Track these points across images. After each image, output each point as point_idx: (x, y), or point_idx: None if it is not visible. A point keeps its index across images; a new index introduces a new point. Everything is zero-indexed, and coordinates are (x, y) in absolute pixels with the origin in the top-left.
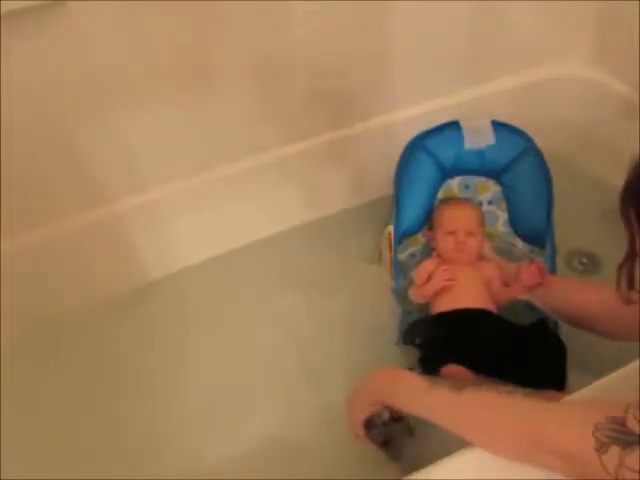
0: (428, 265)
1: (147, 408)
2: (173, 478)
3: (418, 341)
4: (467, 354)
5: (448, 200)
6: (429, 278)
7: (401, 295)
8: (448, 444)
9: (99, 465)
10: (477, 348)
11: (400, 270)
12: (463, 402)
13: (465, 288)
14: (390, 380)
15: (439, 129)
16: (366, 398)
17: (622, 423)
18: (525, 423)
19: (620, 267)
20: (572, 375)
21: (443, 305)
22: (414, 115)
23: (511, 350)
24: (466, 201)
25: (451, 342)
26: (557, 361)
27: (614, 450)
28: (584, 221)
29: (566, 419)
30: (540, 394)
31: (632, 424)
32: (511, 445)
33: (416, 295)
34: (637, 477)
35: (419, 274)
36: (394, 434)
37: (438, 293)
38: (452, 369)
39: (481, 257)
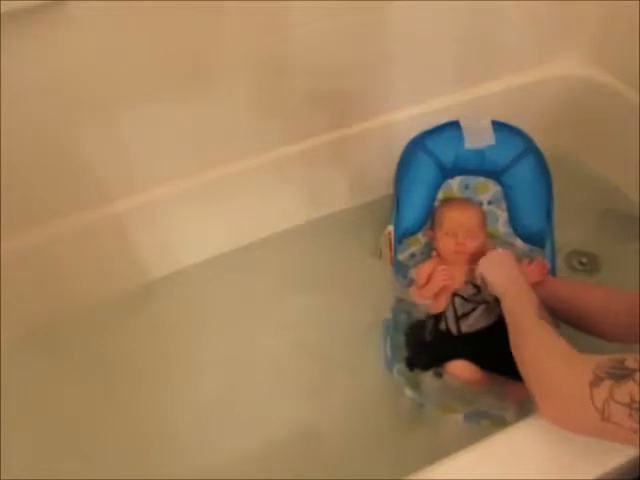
0: (427, 267)
1: (147, 408)
2: (173, 478)
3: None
4: (470, 352)
5: (450, 200)
6: (428, 280)
7: (400, 297)
8: None
9: (99, 465)
10: (480, 347)
11: (400, 270)
12: (537, 325)
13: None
14: (516, 296)
15: (439, 129)
16: (490, 278)
17: (621, 362)
18: (539, 352)
19: None
20: None
21: (443, 305)
22: (414, 115)
23: (506, 348)
24: (468, 202)
25: (454, 341)
26: None
27: (607, 384)
28: (584, 221)
29: (574, 355)
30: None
31: (630, 362)
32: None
33: (417, 296)
34: (623, 410)
35: (419, 276)
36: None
37: (437, 293)
38: (458, 364)
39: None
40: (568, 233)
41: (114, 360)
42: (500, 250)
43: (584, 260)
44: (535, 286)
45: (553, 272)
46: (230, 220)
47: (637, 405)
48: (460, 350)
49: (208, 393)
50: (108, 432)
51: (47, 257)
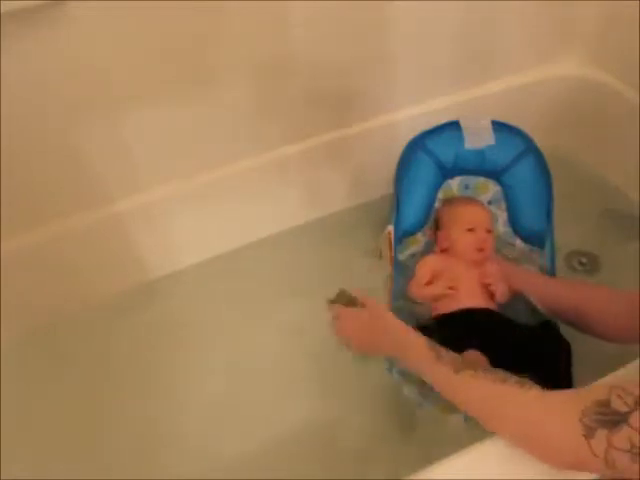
0: (431, 262)
1: (147, 408)
2: (175, 478)
3: None
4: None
5: (458, 198)
6: (432, 278)
7: (401, 296)
8: None
9: (99, 465)
10: (486, 348)
11: (400, 270)
12: (459, 384)
13: (467, 287)
14: (402, 345)
15: (439, 129)
16: (380, 350)
17: (607, 405)
18: (512, 415)
19: None
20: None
21: (447, 306)
22: (414, 115)
23: (521, 350)
24: (477, 200)
25: (461, 340)
26: (564, 361)
27: (601, 433)
28: (584, 221)
29: (553, 408)
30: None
31: (616, 404)
32: (502, 432)
33: (414, 294)
34: (626, 456)
35: (422, 272)
36: None
37: (438, 297)
38: (472, 354)
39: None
40: (568, 233)
41: (114, 360)
42: (345, 311)
43: (584, 260)
44: (534, 286)
45: (553, 272)
46: (230, 220)
47: (638, 450)
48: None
49: (209, 393)
50: (109, 432)
51: (47, 257)
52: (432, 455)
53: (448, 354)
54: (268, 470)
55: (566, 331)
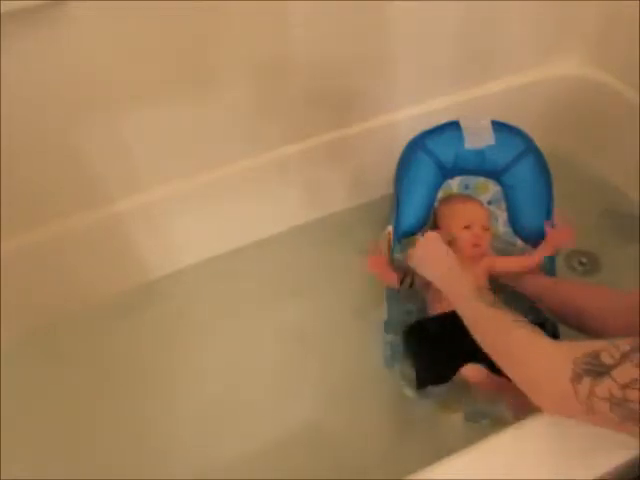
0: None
1: (147, 408)
2: (172, 478)
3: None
4: (479, 353)
5: (455, 196)
6: None
7: (399, 296)
8: None
9: (99, 465)
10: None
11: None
12: (487, 317)
13: None
14: (451, 279)
15: (439, 129)
16: (426, 272)
17: (596, 356)
18: (518, 352)
19: None
20: None
21: (444, 306)
22: (414, 115)
23: None
24: (473, 197)
25: (463, 342)
26: None
27: (586, 380)
28: (584, 221)
29: (554, 351)
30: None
31: (604, 357)
32: (505, 367)
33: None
34: (605, 405)
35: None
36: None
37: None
38: (471, 370)
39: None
40: None
41: (114, 360)
42: (428, 234)
43: (584, 260)
44: (534, 286)
45: (553, 272)
46: (230, 220)
47: (616, 400)
48: (471, 353)
49: (209, 393)
50: (108, 432)
51: (47, 257)
52: (432, 455)
53: (486, 293)
54: (268, 470)
55: (566, 331)
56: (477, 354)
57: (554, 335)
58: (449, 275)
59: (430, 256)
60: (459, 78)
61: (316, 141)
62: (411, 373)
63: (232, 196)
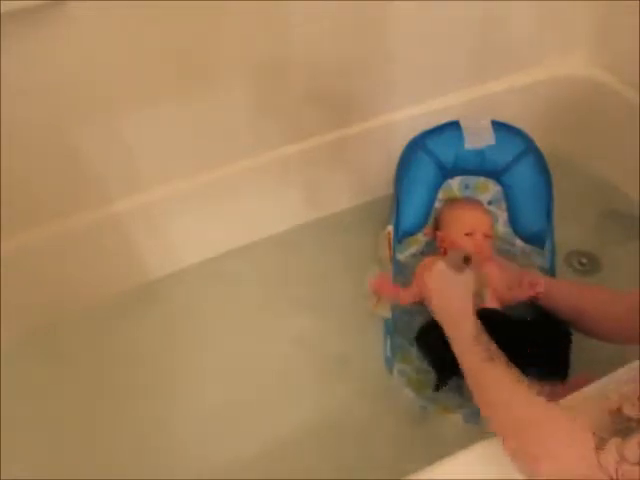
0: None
1: (147, 408)
2: (172, 478)
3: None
4: None
5: (459, 200)
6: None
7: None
8: None
9: (99, 465)
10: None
11: (400, 270)
12: (485, 377)
13: None
14: (455, 321)
15: (439, 129)
16: (435, 310)
17: (619, 411)
18: (525, 426)
19: None
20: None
21: None
22: (414, 115)
23: (522, 345)
24: (478, 202)
25: None
26: (565, 349)
27: (613, 442)
28: (584, 221)
29: (569, 428)
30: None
31: (628, 409)
32: (508, 439)
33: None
34: (634, 471)
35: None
36: None
37: None
38: None
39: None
40: (568, 233)
41: (114, 360)
42: (436, 266)
43: (584, 260)
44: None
45: (553, 272)
46: (231, 220)
47: None
48: None
49: (209, 393)
50: (108, 432)
51: (47, 257)
52: (432, 455)
53: (485, 340)
54: (268, 472)
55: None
56: None
57: (554, 334)
58: (451, 318)
59: (438, 294)
60: (459, 78)
61: (316, 141)
62: (413, 374)
63: (232, 196)
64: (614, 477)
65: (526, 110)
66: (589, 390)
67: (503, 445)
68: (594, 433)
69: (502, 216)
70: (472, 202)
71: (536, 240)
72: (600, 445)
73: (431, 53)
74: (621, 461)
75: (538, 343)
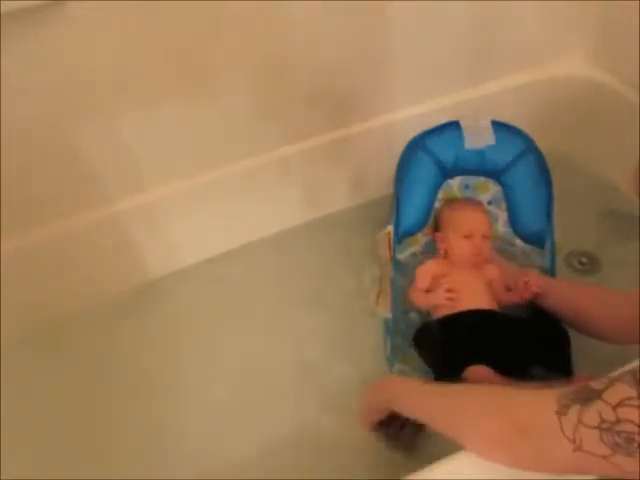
0: (431, 267)
1: (147, 408)
2: (173, 478)
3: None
4: (484, 354)
5: (459, 201)
6: (431, 285)
7: (400, 297)
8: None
9: (99, 465)
10: (492, 347)
11: (400, 270)
12: (452, 392)
13: (468, 290)
14: (383, 390)
15: (439, 129)
16: (371, 410)
17: (586, 386)
18: (495, 404)
19: None
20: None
21: (448, 308)
22: (414, 115)
23: (523, 345)
24: (477, 203)
25: (468, 343)
26: (563, 347)
27: (574, 409)
28: (584, 221)
29: (534, 393)
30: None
31: (595, 384)
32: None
33: (414, 300)
34: (594, 435)
35: (422, 277)
36: (406, 432)
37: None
38: (476, 370)
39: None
40: (568, 233)
41: (115, 360)
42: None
43: (584, 260)
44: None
45: (553, 272)
46: (231, 220)
47: (606, 425)
48: (479, 355)
49: (210, 393)
50: (109, 432)
51: (47, 257)
52: (432, 455)
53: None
54: (268, 472)
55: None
56: (482, 355)
57: (554, 335)
58: (377, 393)
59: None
60: (459, 78)
61: (316, 141)
62: (413, 374)
63: (232, 196)
64: (574, 440)
65: (526, 110)
66: None
67: (478, 441)
68: (558, 400)
69: (502, 216)
70: (471, 203)
71: (536, 240)
72: (562, 411)
73: (431, 53)
74: (579, 424)
75: (537, 342)
